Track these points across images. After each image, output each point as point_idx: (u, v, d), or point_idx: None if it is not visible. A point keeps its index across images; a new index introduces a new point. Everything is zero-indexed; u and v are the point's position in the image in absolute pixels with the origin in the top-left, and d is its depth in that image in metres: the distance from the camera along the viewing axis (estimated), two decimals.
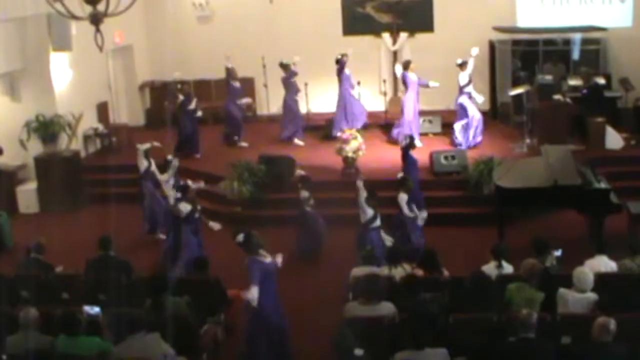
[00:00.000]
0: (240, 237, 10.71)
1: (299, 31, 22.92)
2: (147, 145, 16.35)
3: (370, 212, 13.64)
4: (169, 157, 16.02)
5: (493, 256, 11.57)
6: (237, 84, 20.95)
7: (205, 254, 13.66)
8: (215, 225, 14.35)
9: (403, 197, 14.32)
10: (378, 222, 13.77)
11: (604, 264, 11.34)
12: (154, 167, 16.27)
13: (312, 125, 21.76)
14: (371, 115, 22.12)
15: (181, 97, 20.00)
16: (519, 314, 9.05)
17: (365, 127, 20.83)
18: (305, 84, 21.50)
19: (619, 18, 22.37)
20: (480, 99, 19.91)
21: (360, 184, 13.84)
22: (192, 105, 20.06)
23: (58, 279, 12.09)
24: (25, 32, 18.69)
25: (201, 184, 15.25)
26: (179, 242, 14.21)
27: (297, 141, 20.83)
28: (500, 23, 22.14)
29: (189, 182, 14.70)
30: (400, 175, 15.08)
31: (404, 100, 20.03)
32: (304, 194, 15.34)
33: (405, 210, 14.30)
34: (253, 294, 10.28)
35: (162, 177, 15.77)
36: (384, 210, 14.07)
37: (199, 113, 20.52)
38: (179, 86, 20.39)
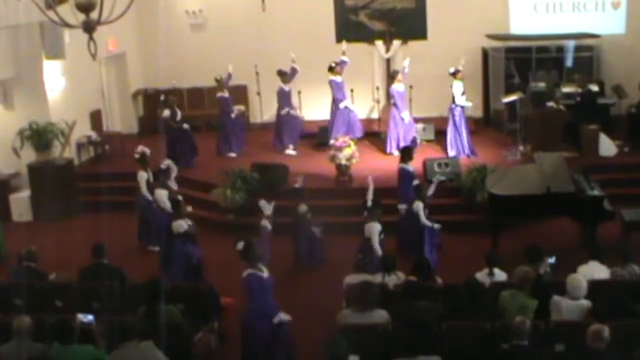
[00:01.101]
0: (241, 245, 10.69)
1: (292, 39, 22.87)
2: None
3: (378, 227, 13.62)
4: (164, 164, 15.98)
5: (486, 263, 11.58)
6: (225, 94, 20.87)
7: (199, 263, 13.71)
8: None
9: (419, 206, 14.40)
10: (382, 235, 13.77)
11: (597, 269, 11.34)
12: (152, 178, 16.24)
13: (305, 132, 21.73)
14: (364, 122, 22.18)
15: (167, 112, 19.74)
16: (512, 321, 9.05)
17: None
18: (299, 92, 21.52)
19: (612, 25, 22.44)
20: (469, 103, 19.91)
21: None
22: (178, 118, 19.91)
23: (51, 287, 12.06)
24: (18, 40, 18.66)
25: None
26: (171, 251, 14.20)
27: (289, 151, 20.87)
28: (494, 30, 22.20)
29: (180, 197, 14.78)
30: (415, 183, 15.05)
31: (394, 112, 20.03)
32: (302, 207, 15.31)
33: (423, 219, 14.42)
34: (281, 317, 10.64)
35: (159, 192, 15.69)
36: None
37: (185, 125, 20.04)
38: (162, 98, 20.25)
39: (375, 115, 22.65)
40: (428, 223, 14.57)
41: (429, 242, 14.69)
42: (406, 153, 16.07)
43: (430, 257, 14.33)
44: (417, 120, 21.26)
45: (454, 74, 19.37)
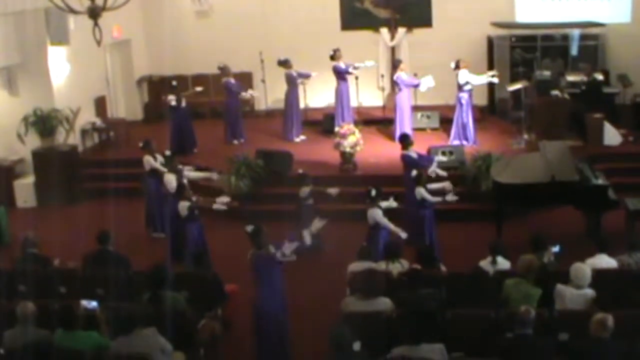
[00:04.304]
0: (249, 228, 10.70)
1: (297, 26, 22.92)
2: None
3: (379, 212, 13.59)
4: (167, 152, 15.95)
5: (489, 252, 11.57)
6: (231, 79, 20.89)
7: (206, 249, 13.72)
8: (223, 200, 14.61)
9: (421, 191, 14.36)
10: None
11: (605, 262, 11.31)
12: (158, 163, 16.25)
13: (309, 120, 21.73)
14: (369, 110, 22.20)
15: (173, 97, 19.67)
16: (516, 310, 9.06)
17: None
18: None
19: (617, 14, 22.37)
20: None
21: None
22: (183, 104, 19.94)
23: (55, 273, 12.07)
24: (23, 26, 18.66)
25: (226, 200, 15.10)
26: (180, 238, 14.23)
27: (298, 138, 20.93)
28: (499, 18, 22.15)
29: (186, 180, 14.79)
30: (414, 172, 14.97)
31: (399, 99, 20.01)
32: (304, 191, 15.28)
33: (430, 198, 14.41)
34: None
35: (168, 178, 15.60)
36: None
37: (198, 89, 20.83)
38: (173, 83, 20.18)
39: (380, 102, 22.57)
40: (433, 199, 14.49)
41: (429, 230, 14.68)
42: (405, 140, 15.97)
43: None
44: (421, 108, 21.28)
45: (457, 66, 19.29)
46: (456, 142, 19.33)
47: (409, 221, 14.87)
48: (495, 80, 19.96)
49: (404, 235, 13.56)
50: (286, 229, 14.57)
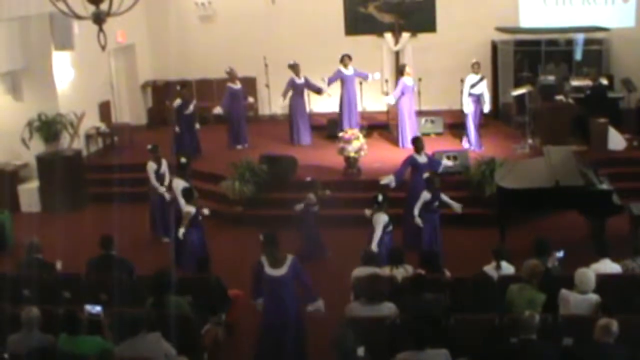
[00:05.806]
0: (261, 236, 10.73)
1: (301, 31, 22.93)
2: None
3: (385, 218, 13.56)
4: (183, 159, 15.92)
5: (493, 257, 11.56)
6: (236, 86, 20.87)
7: (208, 254, 13.69)
8: (205, 211, 14.56)
9: (425, 196, 14.38)
10: (391, 227, 13.72)
11: (609, 267, 11.30)
12: (164, 169, 16.28)
13: (314, 125, 21.68)
14: (373, 115, 22.22)
15: (178, 101, 19.78)
16: (521, 315, 9.04)
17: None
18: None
19: (621, 18, 22.35)
20: (487, 107, 19.91)
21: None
22: (190, 110, 19.97)
23: (60, 278, 12.08)
24: (28, 31, 18.73)
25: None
26: (183, 242, 14.23)
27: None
28: (503, 23, 22.14)
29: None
30: (425, 175, 14.98)
31: (401, 105, 19.97)
32: (310, 197, 15.24)
33: (416, 209, 14.42)
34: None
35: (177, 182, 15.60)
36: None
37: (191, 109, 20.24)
38: (178, 88, 20.24)
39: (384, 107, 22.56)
40: (416, 212, 14.53)
41: (428, 234, 14.67)
42: (415, 143, 15.94)
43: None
44: (425, 113, 21.27)
45: (473, 66, 19.30)
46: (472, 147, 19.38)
47: (408, 225, 14.88)
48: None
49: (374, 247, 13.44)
50: (290, 234, 14.59)
